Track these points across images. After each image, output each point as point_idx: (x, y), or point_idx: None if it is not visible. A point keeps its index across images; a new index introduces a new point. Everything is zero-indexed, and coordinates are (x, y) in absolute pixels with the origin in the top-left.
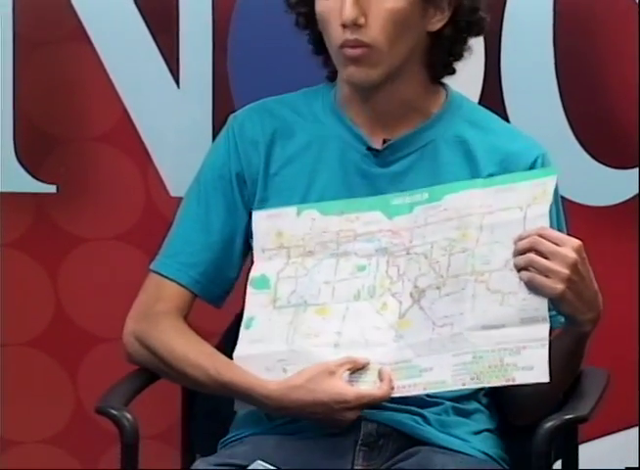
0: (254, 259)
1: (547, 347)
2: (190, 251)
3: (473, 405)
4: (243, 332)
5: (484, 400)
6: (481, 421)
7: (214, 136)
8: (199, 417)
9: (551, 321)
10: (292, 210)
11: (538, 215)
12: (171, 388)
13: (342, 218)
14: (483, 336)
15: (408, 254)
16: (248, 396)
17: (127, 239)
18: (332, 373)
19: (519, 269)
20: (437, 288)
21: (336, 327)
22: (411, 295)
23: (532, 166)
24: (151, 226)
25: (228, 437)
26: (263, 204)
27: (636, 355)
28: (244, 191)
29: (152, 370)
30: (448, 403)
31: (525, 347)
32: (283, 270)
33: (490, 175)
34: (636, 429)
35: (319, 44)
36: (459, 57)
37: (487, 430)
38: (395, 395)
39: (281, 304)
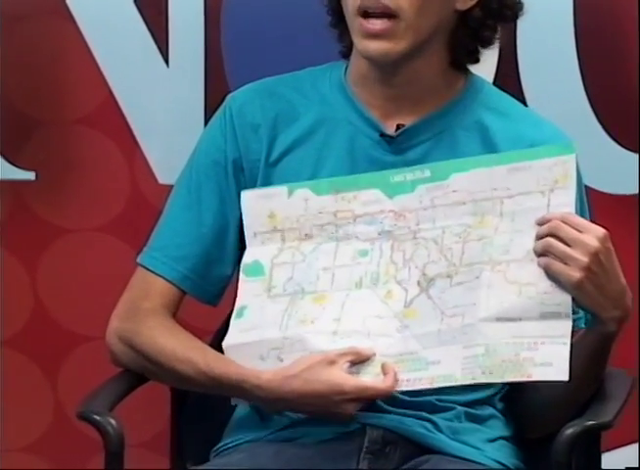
0: (247, 245)
1: (568, 344)
2: (178, 243)
3: (487, 411)
4: (233, 322)
5: (500, 406)
6: (497, 428)
7: (207, 119)
8: (189, 423)
9: (575, 322)
10: (282, 189)
11: (563, 204)
12: (160, 391)
13: (338, 197)
14: (498, 328)
15: (415, 238)
16: (240, 388)
17: (112, 230)
18: (332, 363)
19: (538, 255)
20: (448, 276)
21: (334, 314)
22: (418, 283)
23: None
24: (137, 216)
25: (222, 444)
26: (267, 186)
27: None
28: (240, 179)
29: (138, 371)
30: (460, 408)
31: (543, 342)
32: (278, 256)
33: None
34: None
35: (337, 14)
36: (486, 44)
37: (503, 437)
38: (400, 388)
39: (276, 292)
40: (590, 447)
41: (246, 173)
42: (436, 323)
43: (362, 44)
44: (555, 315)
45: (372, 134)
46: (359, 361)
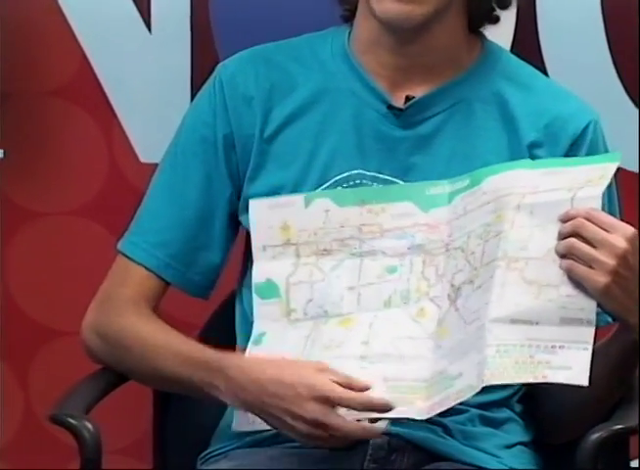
0: (255, 259)
1: (590, 350)
2: (159, 228)
3: (504, 414)
4: (251, 349)
5: (518, 408)
6: (514, 432)
7: (193, 91)
8: (173, 427)
9: (598, 316)
10: (298, 198)
11: (589, 197)
12: (141, 391)
13: (364, 210)
14: (511, 330)
15: (447, 250)
16: (218, 368)
17: (88, 213)
18: (320, 370)
19: (560, 257)
20: (471, 281)
21: (362, 337)
22: (449, 296)
23: (582, 134)
24: (116, 198)
25: (209, 451)
26: (258, 172)
27: None
28: (231, 157)
29: (115, 368)
30: (474, 411)
31: (562, 346)
32: (293, 274)
33: (533, 143)
34: None
35: None
36: (504, 5)
37: (521, 443)
38: (433, 414)
39: (297, 316)
40: (617, 454)
41: (237, 150)
42: (461, 334)
43: (381, 5)
44: (577, 321)
45: (379, 107)
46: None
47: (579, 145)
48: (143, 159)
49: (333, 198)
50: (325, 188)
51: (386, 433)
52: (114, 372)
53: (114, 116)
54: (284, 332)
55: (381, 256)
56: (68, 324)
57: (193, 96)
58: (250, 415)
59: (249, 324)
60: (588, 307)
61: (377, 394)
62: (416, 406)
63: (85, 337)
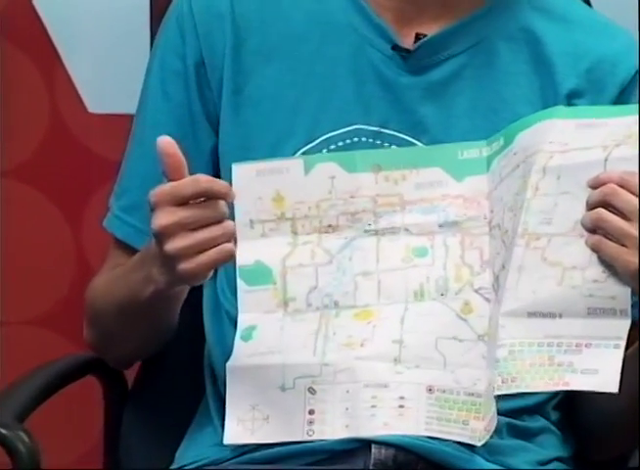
0: (238, 237)
1: (622, 348)
2: (130, 189)
3: (537, 423)
4: (239, 344)
5: (555, 416)
6: (550, 445)
7: (153, 27)
8: (129, 437)
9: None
10: (295, 162)
11: (625, 158)
12: (89, 394)
13: (380, 176)
14: (528, 325)
15: (491, 230)
16: (151, 253)
17: (24, 175)
18: None
19: (588, 231)
20: (503, 267)
21: (392, 334)
22: (493, 287)
23: (633, 80)
24: (59, 156)
25: (176, 467)
26: (229, 118)
27: None
28: (205, 94)
29: (101, 347)
30: (502, 419)
31: (588, 344)
32: (290, 255)
33: (572, 91)
34: None
35: None
36: None
37: (559, 459)
38: (484, 441)
39: (297, 307)
40: None
41: (212, 85)
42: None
43: None
44: (607, 313)
45: (382, 46)
46: None
47: (630, 94)
48: (91, 109)
49: (340, 162)
50: (313, 147)
51: (391, 444)
52: (57, 371)
53: (58, 57)
54: (281, 326)
55: (403, 234)
56: (2, 313)
57: (153, 33)
58: (246, 424)
59: (224, 316)
60: (621, 295)
61: (419, 407)
62: (470, 427)
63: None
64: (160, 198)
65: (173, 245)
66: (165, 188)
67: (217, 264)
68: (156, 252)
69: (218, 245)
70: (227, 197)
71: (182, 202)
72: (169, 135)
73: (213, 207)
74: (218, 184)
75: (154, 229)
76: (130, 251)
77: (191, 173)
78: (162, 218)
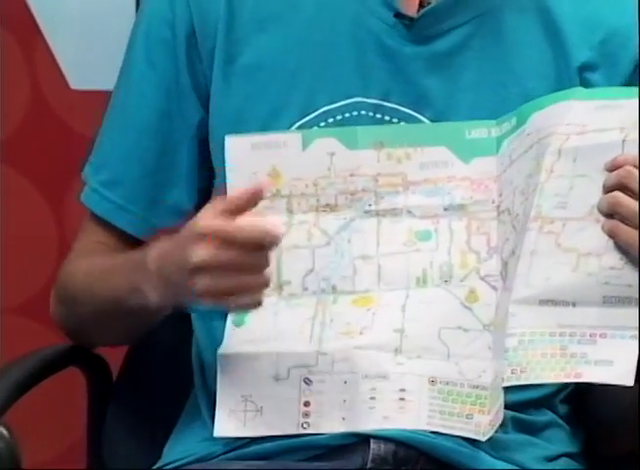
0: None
1: (638, 339)
2: (110, 163)
3: (544, 416)
4: (231, 330)
5: (563, 409)
6: (558, 441)
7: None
8: (114, 432)
9: None
10: (293, 136)
11: None
12: (72, 387)
13: (382, 154)
14: (540, 313)
15: (499, 215)
16: (142, 261)
17: (4, 156)
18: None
19: (604, 216)
20: (513, 253)
21: (393, 322)
22: (501, 274)
23: None
24: (39, 132)
25: (163, 463)
26: (221, 90)
27: None
28: (195, 66)
29: (72, 331)
30: (506, 413)
31: (603, 334)
32: (286, 235)
33: (584, 65)
34: None
35: None
36: None
37: (567, 454)
38: (489, 436)
39: (292, 291)
40: None
41: (203, 56)
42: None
43: None
44: (623, 301)
45: (384, 14)
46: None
47: None
48: (73, 85)
49: (340, 137)
50: (310, 121)
51: (390, 439)
52: (39, 361)
53: (38, 31)
54: (275, 311)
55: (406, 216)
56: None
57: (138, 4)
58: (238, 415)
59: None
60: (638, 283)
61: (421, 400)
62: (474, 421)
63: (51, 305)
64: (210, 231)
65: (204, 282)
66: (221, 225)
67: (237, 310)
68: (156, 272)
69: (248, 293)
70: (275, 246)
71: (231, 243)
72: (155, 106)
73: (259, 255)
74: (273, 237)
75: (192, 261)
76: (109, 228)
77: (175, 148)
78: (206, 253)
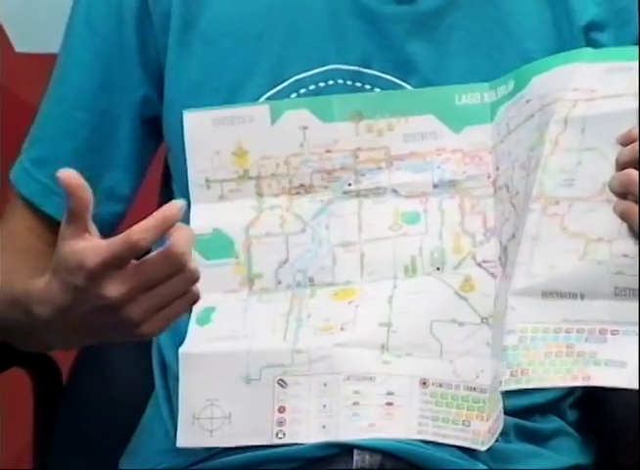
0: (192, 200)
1: None
2: (43, 139)
3: (551, 424)
4: (194, 329)
5: (572, 415)
6: (567, 451)
7: None
8: (63, 439)
9: None
10: (260, 109)
11: None
12: (17, 390)
13: (361, 126)
14: (542, 307)
15: (496, 191)
16: (26, 298)
17: None
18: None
19: (616, 196)
20: (514, 236)
21: (378, 316)
22: (500, 260)
23: None
24: None
25: None
26: (178, 60)
27: None
28: (147, 36)
29: None
30: (509, 420)
31: (615, 331)
32: (255, 222)
33: (591, 23)
34: None
35: None
36: None
37: (577, 466)
38: (489, 445)
39: (264, 285)
40: None
41: (155, 22)
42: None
43: None
44: (637, 294)
45: None
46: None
47: None
48: (19, 48)
49: (313, 108)
50: (280, 92)
51: (377, 449)
52: None
53: None
54: (245, 307)
55: (390, 196)
56: None
57: None
58: (203, 423)
59: None
60: None
61: (411, 405)
62: (472, 429)
63: None
64: (100, 267)
65: (133, 311)
66: (102, 255)
67: (183, 313)
68: (61, 330)
69: (182, 294)
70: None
71: (125, 263)
72: (92, 77)
73: (165, 257)
74: (157, 229)
75: (108, 301)
76: (36, 212)
77: (113, 125)
78: (114, 289)
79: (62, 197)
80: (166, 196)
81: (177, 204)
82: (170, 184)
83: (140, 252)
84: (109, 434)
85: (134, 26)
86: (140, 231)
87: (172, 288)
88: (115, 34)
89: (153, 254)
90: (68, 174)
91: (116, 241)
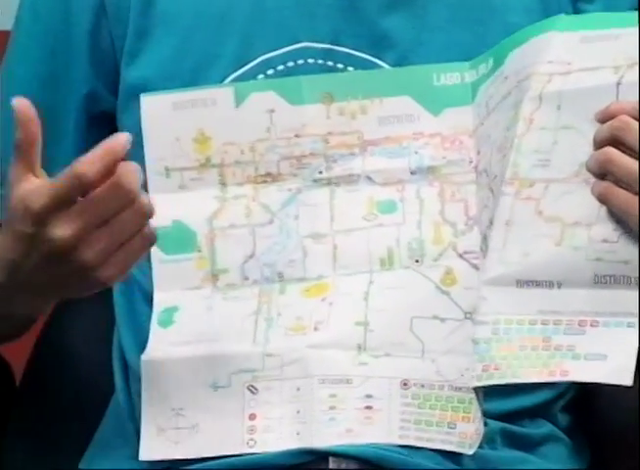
0: (150, 189)
1: (638, 328)
2: None
3: (541, 428)
4: (157, 331)
5: (564, 420)
6: (558, 457)
7: None
8: (16, 445)
9: None
10: (223, 91)
11: None
12: None
13: (332, 109)
14: (516, 297)
15: (477, 176)
16: None
17: None
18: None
19: (595, 176)
20: (491, 223)
21: (353, 314)
22: (482, 250)
23: None
24: None
25: None
26: (139, 44)
27: None
28: (100, 25)
29: None
30: (494, 425)
31: (595, 322)
32: (219, 214)
33: None
34: None
35: None
36: None
37: None
38: (475, 449)
39: (229, 281)
40: None
41: (109, 9)
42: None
43: None
44: (618, 281)
45: None
46: None
47: None
48: None
49: (281, 90)
50: (246, 73)
51: (354, 457)
52: None
53: None
54: (209, 306)
55: (365, 184)
56: None
57: None
58: (169, 434)
59: (136, 292)
60: (636, 259)
61: (392, 408)
62: (458, 431)
63: None
64: (46, 209)
65: (86, 253)
66: (46, 195)
67: (140, 257)
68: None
69: (136, 233)
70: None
71: (73, 201)
72: (35, 69)
73: (114, 188)
74: (102, 159)
75: (59, 243)
76: None
77: (58, 122)
78: (62, 230)
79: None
80: None
81: (123, 135)
82: None
83: (86, 187)
84: (64, 440)
85: (85, 17)
86: (85, 163)
87: (125, 223)
88: (61, 26)
89: (100, 188)
90: (24, 103)
91: (61, 178)
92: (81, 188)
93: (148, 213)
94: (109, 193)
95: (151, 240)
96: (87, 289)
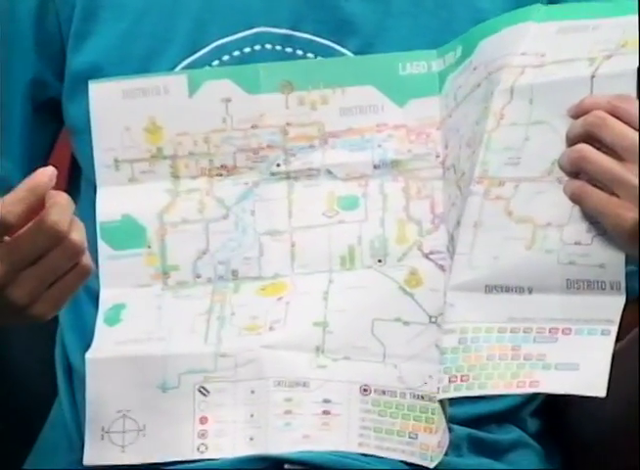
0: (98, 183)
1: (613, 335)
2: None
3: (509, 434)
4: (102, 330)
5: (533, 425)
6: (527, 464)
7: None
8: None
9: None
10: (177, 79)
11: (618, 74)
12: None
13: (291, 98)
14: (484, 303)
15: (446, 172)
16: None
17: None
18: None
19: (568, 175)
20: (459, 223)
21: (311, 314)
22: (448, 251)
23: None
24: None
25: None
26: (85, 29)
27: None
28: (46, 8)
29: None
30: (460, 431)
31: (567, 329)
32: (170, 208)
33: None
34: None
35: None
36: None
37: None
38: (438, 462)
39: (180, 279)
40: None
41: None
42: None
43: None
44: (593, 287)
45: None
46: None
47: None
48: None
49: (237, 78)
50: (200, 58)
51: (309, 464)
52: None
53: None
54: (159, 304)
55: (325, 178)
56: None
57: None
58: (114, 438)
59: (80, 289)
60: (611, 263)
61: (351, 414)
62: (419, 442)
63: None
64: None
65: (16, 294)
66: None
67: (75, 291)
68: None
69: (69, 270)
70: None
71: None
72: None
73: (39, 228)
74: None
75: None
76: None
77: (5, 109)
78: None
79: None
80: (75, 177)
81: (47, 170)
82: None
83: (11, 228)
84: (5, 444)
85: (34, 7)
86: (7, 204)
87: (54, 262)
88: (4, 7)
89: (25, 228)
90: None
91: None
92: (5, 231)
93: (78, 250)
94: (34, 234)
95: (85, 273)
96: (21, 322)
